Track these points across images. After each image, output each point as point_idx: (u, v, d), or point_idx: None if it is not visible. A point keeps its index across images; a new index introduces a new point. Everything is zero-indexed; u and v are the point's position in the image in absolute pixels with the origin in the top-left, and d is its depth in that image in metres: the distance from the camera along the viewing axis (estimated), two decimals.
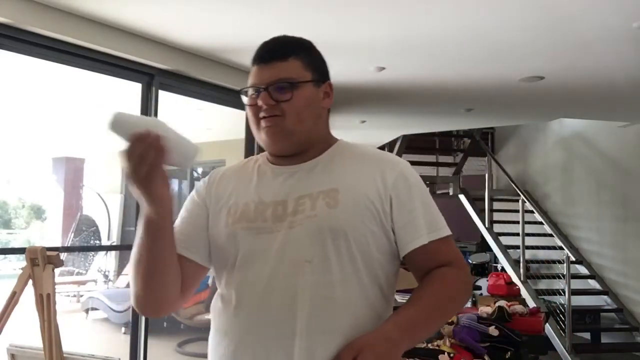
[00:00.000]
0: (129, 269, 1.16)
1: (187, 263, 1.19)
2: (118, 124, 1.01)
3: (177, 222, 1.24)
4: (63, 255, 5.39)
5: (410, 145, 8.03)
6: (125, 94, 4.44)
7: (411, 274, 1.23)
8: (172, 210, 1.11)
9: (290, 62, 1.18)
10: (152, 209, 1.06)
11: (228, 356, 1.14)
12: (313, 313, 1.08)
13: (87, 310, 7.16)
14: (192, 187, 8.52)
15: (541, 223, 6.89)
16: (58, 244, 8.85)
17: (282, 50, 1.19)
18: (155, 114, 3.65)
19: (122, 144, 1.01)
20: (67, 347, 2.04)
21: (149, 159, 0.99)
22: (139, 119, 1.05)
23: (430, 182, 8.76)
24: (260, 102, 1.16)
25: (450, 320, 3.09)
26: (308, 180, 1.18)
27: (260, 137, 1.20)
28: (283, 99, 1.15)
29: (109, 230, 8.64)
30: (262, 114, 1.17)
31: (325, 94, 1.24)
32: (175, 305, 1.21)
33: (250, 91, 1.19)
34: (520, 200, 6.78)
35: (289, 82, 1.16)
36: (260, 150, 1.28)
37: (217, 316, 1.20)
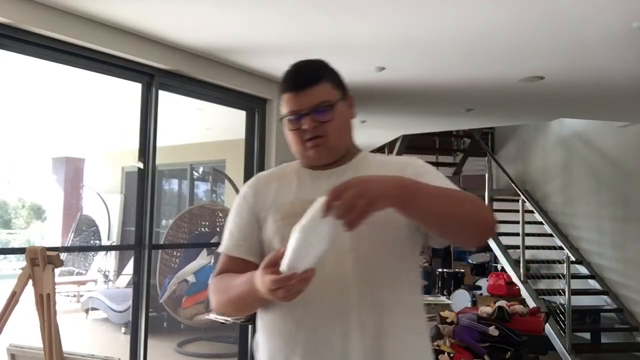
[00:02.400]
0: (223, 293, 1.34)
1: (254, 265, 1.30)
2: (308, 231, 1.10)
3: (234, 229, 1.39)
4: (63, 255, 5.38)
5: (410, 145, 8.03)
6: (125, 94, 4.44)
7: None
8: None
9: (322, 86, 1.31)
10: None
11: (288, 333, 1.28)
12: (362, 293, 1.25)
13: (87, 310, 7.16)
14: (192, 186, 8.54)
15: (541, 223, 6.89)
16: (58, 244, 8.85)
17: (314, 76, 1.32)
18: (156, 114, 3.64)
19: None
20: (67, 347, 2.04)
21: (291, 292, 1.11)
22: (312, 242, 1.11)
23: None
24: (305, 126, 1.30)
25: (449, 320, 3.10)
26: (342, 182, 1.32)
27: (305, 155, 1.35)
28: (325, 120, 1.30)
29: (109, 230, 8.64)
30: (307, 136, 1.31)
31: (350, 106, 1.39)
32: None
33: (290, 118, 1.32)
34: (520, 200, 6.79)
35: (328, 104, 1.30)
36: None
37: (272, 310, 1.31)
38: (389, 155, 1.51)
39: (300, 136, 1.32)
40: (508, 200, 7.42)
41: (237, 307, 1.35)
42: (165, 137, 3.98)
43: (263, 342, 1.34)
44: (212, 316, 3.10)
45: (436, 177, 1.32)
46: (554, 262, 6.62)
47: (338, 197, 1.06)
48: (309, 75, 1.32)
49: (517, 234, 6.59)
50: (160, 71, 3.66)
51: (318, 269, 1.13)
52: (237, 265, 1.33)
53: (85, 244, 8.67)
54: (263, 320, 1.35)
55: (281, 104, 1.35)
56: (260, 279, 1.15)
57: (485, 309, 3.19)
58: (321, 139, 1.31)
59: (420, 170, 1.34)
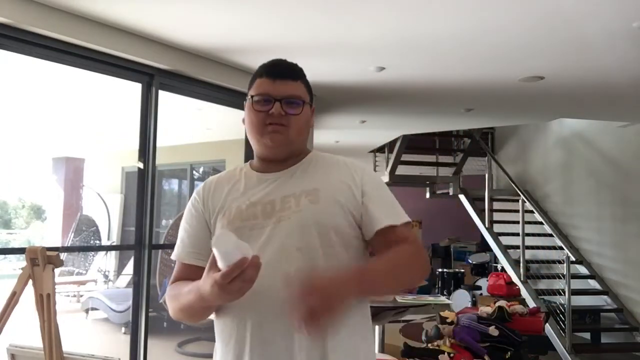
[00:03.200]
0: (175, 301, 1.34)
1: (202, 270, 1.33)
2: (220, 242, 1.12)
3: (184, 236, 1.42)
4: (63, 255, 5.37)
5: (410, 145, 8.03)
6: (125, 94, 4.44)
7: None
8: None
9: (299, 84, 1.38)
10: (217, 302, 1.22)
11: (235, 334, 1.30)
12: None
13: (87, 310, 7.16)
14: (192, 186, 8.55)
15: (541, 223, 6.89)
16: (58, 244, 8.84)
17: (294, 72, 1.39)
18: (156, 114, 3.64)
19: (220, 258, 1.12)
20: (67, 347, 2.04)
21: (246, 281, 1.11)
22: (237, 244, 1.13)
23: (430, 182, 8.77)
24: (272, 110, 1.33)
25: (449, 320, 3.10)
26: (290, 184, 1.37)
27: (261, 140, 1.37)
28: (294, 112, 1.35)
29: (109, 230, 8.64)
30: (270, 121, 1.34)
31: (312, 114, 1.45)
32: None
33: (259, 99, 1.36)
34: (520, 200, 6.79)
35: (301, 100, 1.36)
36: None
37: (222, 314, 1.35)
38: (335, 156, 1.55)
39: (263, 119, 1.34)
40: (508, 200, 7.42)
41: (188, 315, 1.34)
42: (165, 137, 3.98)
43: (218, 348, 1.36)
44: (212, 316, 3.09)
45: (380, 197, 1.37)
46: (554, 262, 6.62)
47: (301, 295, 1.08)
48: (291, 70, 1.38)
49: (517, 234, 6.59)
50: (160, 71, 3.66)
51: (263, 268, 1.14)
52: (191, 272, 1.35)
53: (85, 244, 8.66)
54: (216, 327, 1.37)
55: (252, 87, 1.39)
56: (207, 282, 1.14)
57: (485, 309, 3.19)
58: (283, 128, 1.34)
59: (366, 181, 1.38)
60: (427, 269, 1.34)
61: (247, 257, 1.08)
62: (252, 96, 1.38)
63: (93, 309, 7.05)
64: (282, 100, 1.33)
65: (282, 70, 1.37)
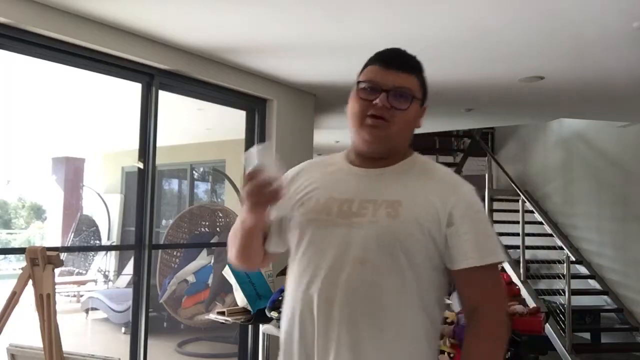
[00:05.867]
0: (229, 241, 1.42)
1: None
2: (262, 153, 1.22)
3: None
4: (63, 255, 5.38)
5: (410, 145, 8.01)
6: (125, 94, 4.44)
7: None
8: (259, 225, 1.32)
9: (412, 78, 1.29)
10: (248, 221, 1.28)
11: (287, 327, 1.29)
12: (359, 311, 1.19)
13: (87, 310, 7.16)
14: (192, 186, 8.54)
15: (541, 223, 6.89)
16: (58, 244, 8.84)
17: (411, 64, 1.30)
18: (156, 114, 3.65)
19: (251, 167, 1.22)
20: (67, 347, 2.04)
21: (266, 195, 1.20)
22: (271, 163, 1.23)
23: None
24: (377, 101, 1.23)
25: (450, 320, 3.10)
26: (375, 186, 1.27)
27: (359, 131, 1.27)
28: (400, 107, 1.24)
29: (109, 230, 8.64)
30: (372, 112, 1.24)
31: (421, 115, 1.34)
32: (258, 265, 1.47)
33: (366, 86, 1.27)
34: (520, 200, 6.78)
35: (411, 94, 1.26)
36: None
37: (288, 285, 1.34)
38: (439, 165, 1.41)
39: (365, 109, 1.25)
40: (508, 200, 7.41)
41: (235, 246, 1.38)
42: (165, 137, 3.98)
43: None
44: (212, 316, 3.10)
45: (469, 229, 1.22)
46: (554, 262, 6.62)
47: None
48: (407, 62, 1.31)
49: (517, 234, 6.58)
50: (160, 71, 3.66)
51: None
52: None
53: (85, 244, 8.66)
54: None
55: (362, 73, 1.33)
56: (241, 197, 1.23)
57: None
58: (384, 123, 1.24)
59: (459, 210, 1.22)
60: (507, 328, 1.27)
61: (265, 173, 1.19)
62: (358, 82, 1.29)
63: (93, 309, 7.05)
64: (389, 91, 1.24)
65: (396, 59, 1.29)
